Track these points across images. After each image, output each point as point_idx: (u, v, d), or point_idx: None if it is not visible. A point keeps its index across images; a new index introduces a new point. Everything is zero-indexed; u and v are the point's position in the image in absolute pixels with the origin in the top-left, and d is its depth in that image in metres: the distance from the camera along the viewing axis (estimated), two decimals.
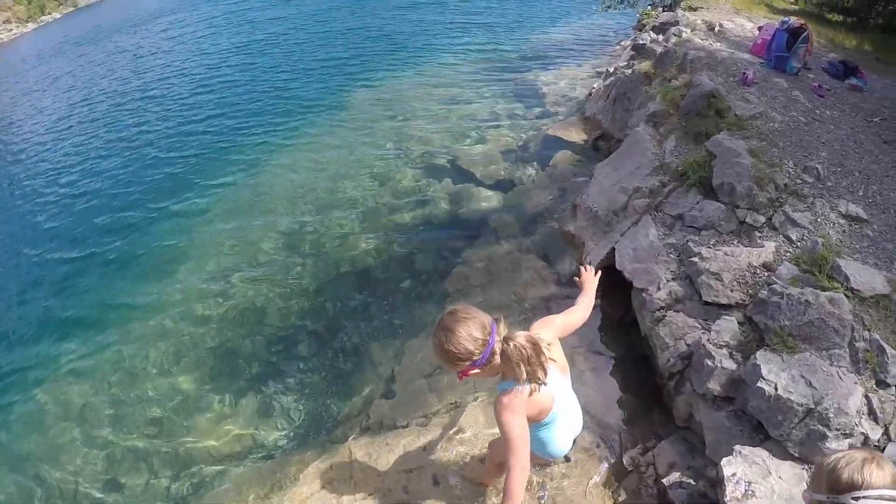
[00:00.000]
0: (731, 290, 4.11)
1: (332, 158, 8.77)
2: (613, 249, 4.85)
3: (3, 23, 43.17)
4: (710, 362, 3.69)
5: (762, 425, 3.44)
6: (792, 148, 5.08)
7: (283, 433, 4.60)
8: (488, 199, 7.12)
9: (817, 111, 5.74)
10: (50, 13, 47.50)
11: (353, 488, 3.97)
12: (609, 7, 11.33)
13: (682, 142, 5.26)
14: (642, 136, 5.49)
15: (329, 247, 6.56)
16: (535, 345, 2.15)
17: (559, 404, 2.48)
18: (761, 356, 3.56)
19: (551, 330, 2.50)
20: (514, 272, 5.74)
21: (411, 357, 4.98)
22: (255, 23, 18.79)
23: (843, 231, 4.35)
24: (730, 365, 3.68)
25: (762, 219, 4.49)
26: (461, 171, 7.87)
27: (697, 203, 4.72)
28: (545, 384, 2.23)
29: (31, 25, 44.93)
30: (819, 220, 4.43)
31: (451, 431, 4.20)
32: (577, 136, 8.02)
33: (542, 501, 3.83)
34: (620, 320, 4.86)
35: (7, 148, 11.92)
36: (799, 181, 4.75)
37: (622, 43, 11.89)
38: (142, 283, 6.65)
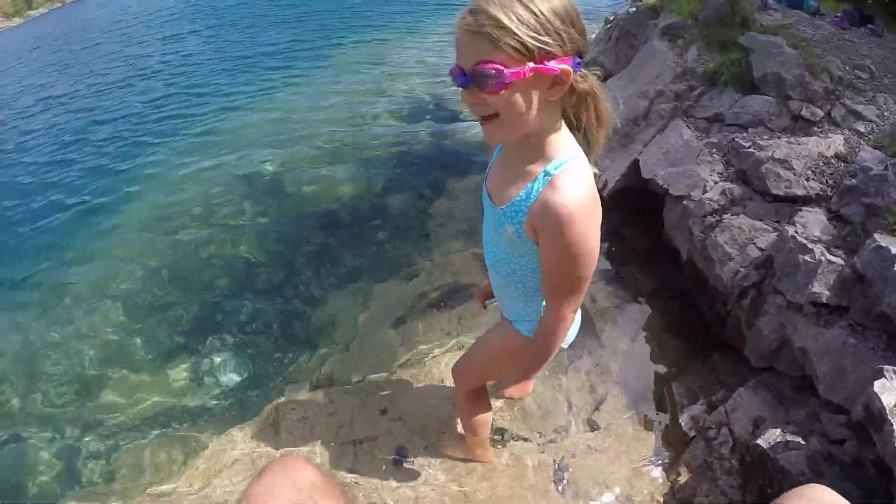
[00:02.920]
0: (807, 180, 2.92)
1: (302, 102, 7.71)
2: (636, 162, 3.65)
3: None
4: (808, 258, 2.48)
5: None
6: (833, 52, 4.07)
7: (216, 393, 3.31)
8: (477, 136, 5.92)
9: (846, 36, 4.78)
10: (37, 8, 46.02)
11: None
12: None
13: (706, 51, 4.19)
14: (658, 48, 4.40)
15: (290, 188, 5.36)
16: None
17: None
18: (882, 239, 2.33)
19: None
20: None
21: (379, 302, 3.70)
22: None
23: None
24: (836, 260, 2.43)
25: (820, 112, 3.41)
26: (447, 112, 6.78)
27: (737, 101, 3.58)
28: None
29: (17, 20, 42.50)
30: (885, 113, 3.44)
31: (423, 385, 2.92)
32: None
33: (562, 486, 2.46)
34: (650, 251, 3.60)
35: None
36: (852, 76, 3.71)
37: (616, 13, 11.08)
38: (75, 224, 5.54)
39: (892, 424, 1.83)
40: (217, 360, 3.50)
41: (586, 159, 1.28)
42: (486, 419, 2.31)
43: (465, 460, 2.53)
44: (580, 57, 1.15)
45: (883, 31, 5.53)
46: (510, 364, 1.91)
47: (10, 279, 4.80)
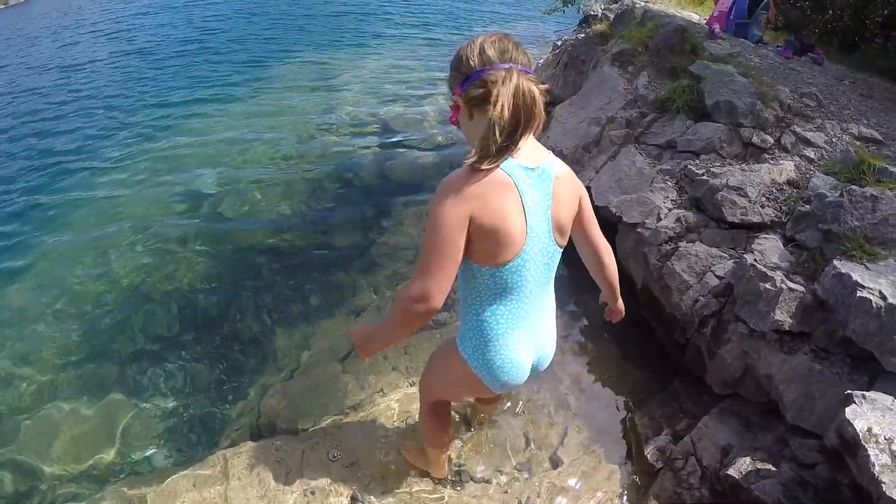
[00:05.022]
0: (762, 206, 2.98)
1: (253, 122, 7.47)
2: (589, 189, 3.65)
3: None
4: (769, 286, 2.51)
5: (864, 360, 2.29)
6: (781, 80, 4.25)
7: (155, 440, 3.09)
8: (424, 159, 5.92)
9: (791, 65, 5.03)
10: None
11: None
12: (553, 10, 10.72)
13: (656, 79, 4.30)
14: (609, 74, 4.49)
15: (234, 214, 5.11)
16: (535, 100, 1.40)
17: (532, 255, 1.53)
18: (843, 265, 2.38)
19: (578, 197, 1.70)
20: None
21: (324, 337, 3.54)
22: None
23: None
24: (797, 287, 2.47)
25: (771, 139, 3.53)
26: (394, 133, 6.73)
27: (689, 128, 3.66)
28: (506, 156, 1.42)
29: None
30: (833, 140, 3.59)
31: (373, 427, 2.80)
32: None
33: None
34: None
35: None
36: (801, 104, 3.86)
37: (564, 39, 11.50)
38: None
39: (866, 450, 1.84)
40: (154, 403, 3.27)
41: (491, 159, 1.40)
42: (443, 436, 2.32)
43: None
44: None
45: (823, 59, 5.85)
46: (444, 373, 1.92)
47: None
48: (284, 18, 16.17)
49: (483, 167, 1.39)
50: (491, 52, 1.43)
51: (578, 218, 1.71)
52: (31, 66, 14.47)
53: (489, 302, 1.58)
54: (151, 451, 3.01)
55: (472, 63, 1.45)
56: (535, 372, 1.81)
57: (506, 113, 1.34)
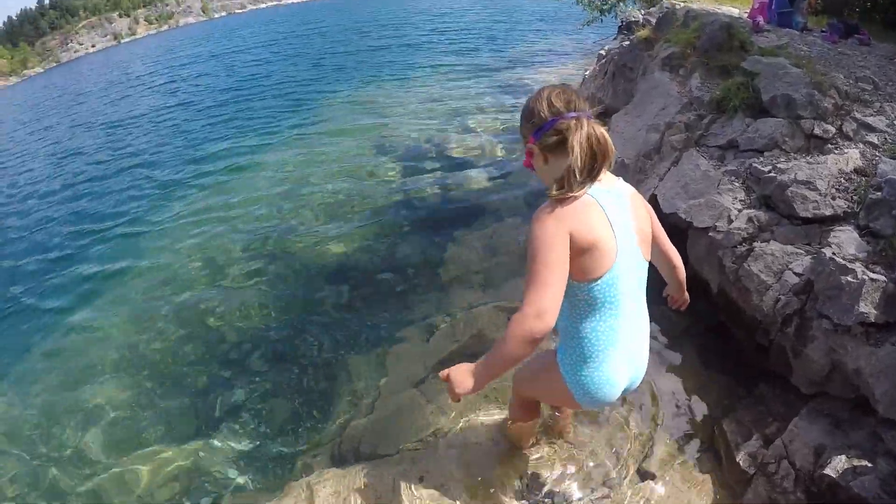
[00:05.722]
0: (833, 199, 2.97)
1: (304, 160, 7.91)
2: (654, 197, 3.71)
3: None
4: (850, 279, 2.51)
5: None
6: (833, 67, 4.23)
7: (234, 470, 3.26)
8: (483, 183, 6.13)
9: (839, 49, 4.98)
10: (33, 67, 50.08)
11: None
12: (591, 21, 10.87)
13: (708, 79, 4.33)
14: (661, 79, 4.55)
15: (298, 249, 5.39)
16: (606, 141, 1.64)
17: (623, 268, 1.68)
18: None
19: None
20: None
21: (401, 363, 3.67)
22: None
23: None
24: (879, 277, 2.46)
25: (832, 129, 3.50)
26: (449, 159, 7.00)
27: (749, 126, 3.67)
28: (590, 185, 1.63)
29: (13, 79, 47.95)
30: (895, 122, 3.53)
31: (461, 446, 2.85)
32: None
33: None
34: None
35: None
36: (857, 89, 3.83)
37: (606, 48, 11.66)
38: (81, 288, 5.70)
39: None
40: (233, 437, 3.45)
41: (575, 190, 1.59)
42: (532, 424, 2.59)
43: None
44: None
45: (870, 39, 5.74)
46: (541, 382, 2.07)
47: (14, 348, 4.84)
48: (325, 58, 16.80)
49: (567, 197, 1.58)
50: (559, 104, 1.65)
51: (652, 230, 1.89)
52: (78, 123, 15.45)
53: (587, 317, 1.70)
54: (232, 484, 3.16)
55: (543, 115, 1.66)
56: (626, 392, 1.89)
57: (583, 156, 1.57)
